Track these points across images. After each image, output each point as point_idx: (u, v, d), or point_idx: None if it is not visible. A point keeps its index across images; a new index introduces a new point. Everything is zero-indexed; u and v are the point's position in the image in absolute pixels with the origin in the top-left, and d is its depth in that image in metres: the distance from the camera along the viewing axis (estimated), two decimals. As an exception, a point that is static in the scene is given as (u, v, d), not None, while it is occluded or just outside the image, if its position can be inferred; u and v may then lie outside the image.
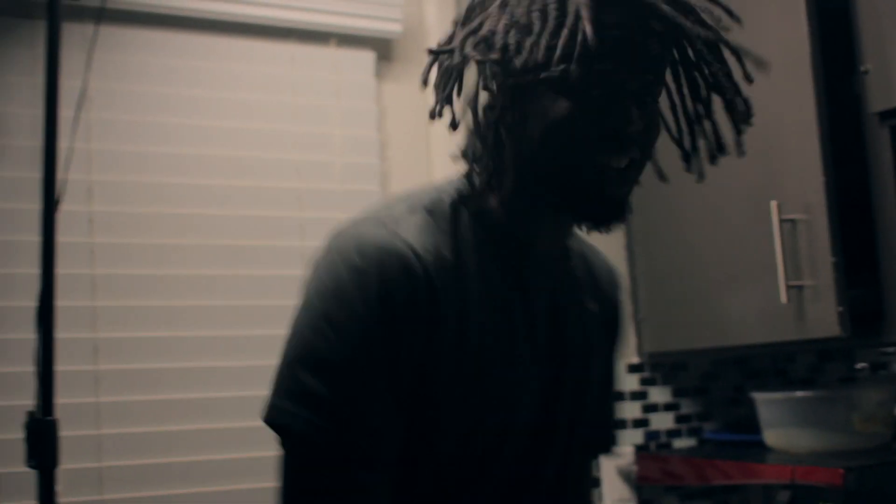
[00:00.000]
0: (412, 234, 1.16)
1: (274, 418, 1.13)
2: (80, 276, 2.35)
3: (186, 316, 2.44)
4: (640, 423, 2.87)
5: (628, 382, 2.84)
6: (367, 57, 2.69)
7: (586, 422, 1.35)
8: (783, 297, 2.27)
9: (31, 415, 1.84)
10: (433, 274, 1.14)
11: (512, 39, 1.15)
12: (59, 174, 1.95)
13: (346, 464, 1.11)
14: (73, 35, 2.28)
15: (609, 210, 1.22)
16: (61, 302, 2.27)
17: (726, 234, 2.52)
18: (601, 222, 1.22)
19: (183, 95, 2.51)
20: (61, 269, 2.29)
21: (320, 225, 2.54)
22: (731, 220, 2.50)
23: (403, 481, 1.17)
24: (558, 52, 1.11)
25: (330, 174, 2.60)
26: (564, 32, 1.11)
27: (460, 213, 1.23)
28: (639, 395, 2.87)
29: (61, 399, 2.25)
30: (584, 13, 1.09)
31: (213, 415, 2.43)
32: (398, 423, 1.14)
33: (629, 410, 2.85)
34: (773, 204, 2.30)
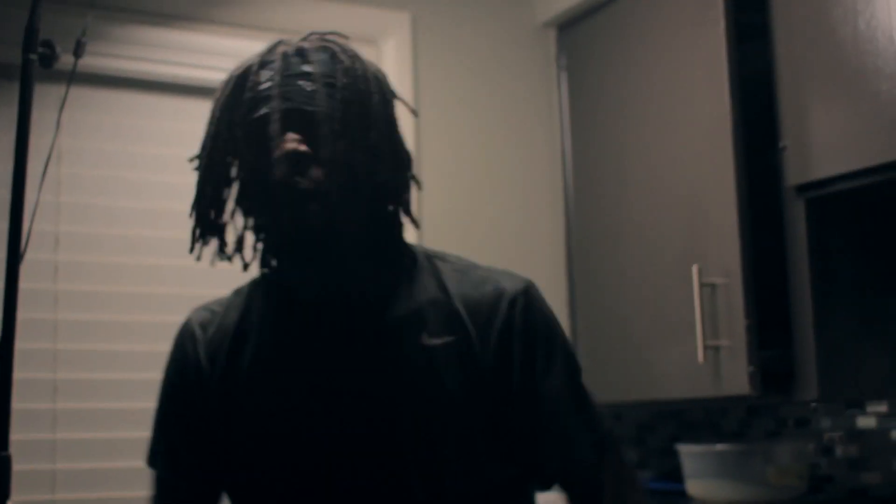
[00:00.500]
0: (200, 310, 1.56)
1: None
2: (43, 320, 2.50)
3: (143, 359, 2.58)
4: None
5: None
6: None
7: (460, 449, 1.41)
8: (700, 356, 2.41)
9: (-15, 451, 1.95)
10: (199, 339, 1.50)
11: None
12: (25, 225, 2.08)
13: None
14: (48, 96, 2.44)
15: (283, 195, 1.36)
16: (24, 344, 2.44)
17: (653, 295, 2.66)
18: (281, 216, 1.39)
19: (148, 153, 2.68)
20: (26, 314, 2.45)
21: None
22: (657, 282, 2.64)
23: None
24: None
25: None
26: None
27: (259, 283, 1.53)
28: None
29: (18, 436, 2.40)
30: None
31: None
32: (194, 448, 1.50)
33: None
34: (695, 268, 2.45)
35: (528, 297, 1.48)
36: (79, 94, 2.61)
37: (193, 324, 1.52)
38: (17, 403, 2.33)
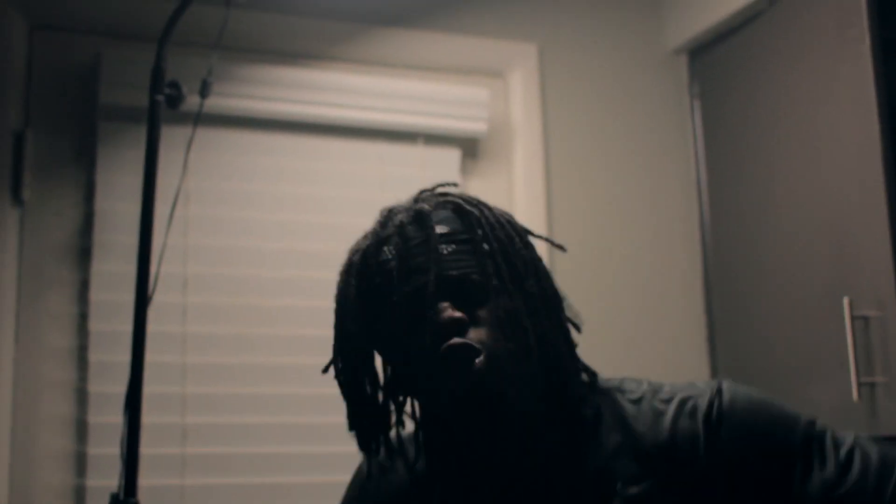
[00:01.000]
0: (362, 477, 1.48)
1: None
2: (172, 363, 2.49)
3: (273, 402, 2.55)
4: None
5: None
6: (453, 155, 2.80)
7: None
8: (854, 395, 2.28)
9: (114, 497, 1.94)
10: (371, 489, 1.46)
11: None
12: (153, 268, 2.07)
13: None
14: (174, 137, 2.43)
15: (458, 372, 1.23)
16: (154, 388, 2.42)
17: (801, 330, 2.53)
18: (459, 396, 1.25)
19: (275, 192, 2.65)
20: (155, 357, 2.44)
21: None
22: (805, 316, 2.51)
23: None
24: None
25: (414, 267, 2.69)
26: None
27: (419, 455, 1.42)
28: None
29: (148, 481, 2.39)
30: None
31: (299, 500, 2.52)
32: None
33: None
34: (846, 300, 2.32)
35: (724, 403, 1.29)
36: (205, 134, 2.60)
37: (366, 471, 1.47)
38: (147, 448, 2.35)
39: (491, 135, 2.88)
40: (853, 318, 2.31)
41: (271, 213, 2.63)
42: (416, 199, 1.39)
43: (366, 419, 1.38)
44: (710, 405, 1.28)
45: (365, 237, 1.38)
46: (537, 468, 1.30)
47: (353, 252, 1.37)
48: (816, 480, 1.26)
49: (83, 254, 2.49)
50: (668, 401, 1.31)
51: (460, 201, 1.35)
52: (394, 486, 1.42)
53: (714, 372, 2.87)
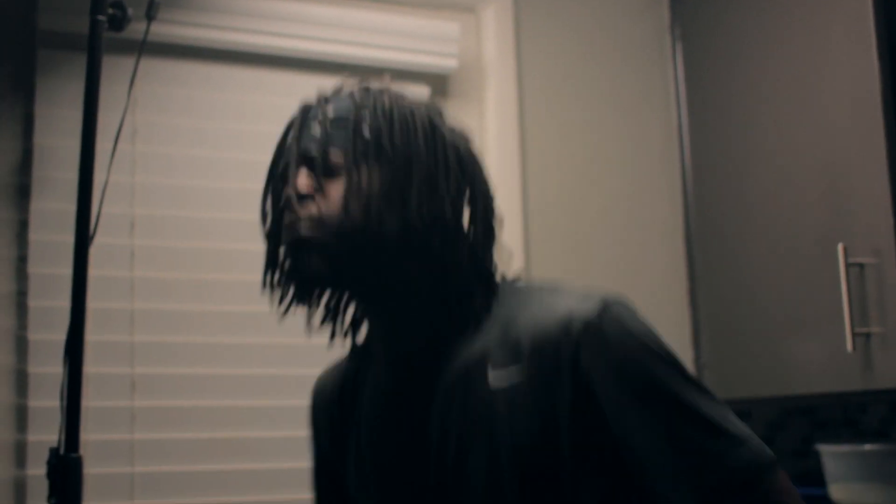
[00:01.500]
0: (324, 378, 1.56)
1: None
2: (119, 309, 2.33)
3: (226, 352, 2.40)
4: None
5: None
6: (421, 92, 2.64)
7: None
8: (849, 345, 2.15)
9: (54, 452, 1.79)
10: (315, 399, 1.55)
11: None
12: (95, 207, 1.91)
13: None
14: (121, 67, 2.25)
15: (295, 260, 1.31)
16: (99, 336, 2.27)
17: (791, 279, 2.41)
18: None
19: (230, 129, 2.49)
20: (101, 303, 2.28)
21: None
22: (796, 264, 2.39)
23: None
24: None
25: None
26: None
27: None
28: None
29: (94, 435, 2.24)
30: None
31: (250, 454, 2.38)
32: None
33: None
34: (840, 247, 2.19)
35: (601, 326, 1.24)
36: (155, 65, 2.44)
37: (316, 388, 1.57)
38: (93, 401, 2.20)
39: (461, 72, 2.73)
40: (848, 266, 2.18)
41: (226, 151, 2.47)
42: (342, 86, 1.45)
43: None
44: (587, 321, 1.24)
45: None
46: (418, 354, 1.35)
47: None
48: (641, 440, 1.22)
49: (21, 192, 2.31)
50: (554, 303, 1.29)
51: (359, 94, 1.39)
52: (341, 373, 1.51)
53: (696, 325, 2.74)
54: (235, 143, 2.49)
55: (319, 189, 1.29)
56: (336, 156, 1.30)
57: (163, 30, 2.41)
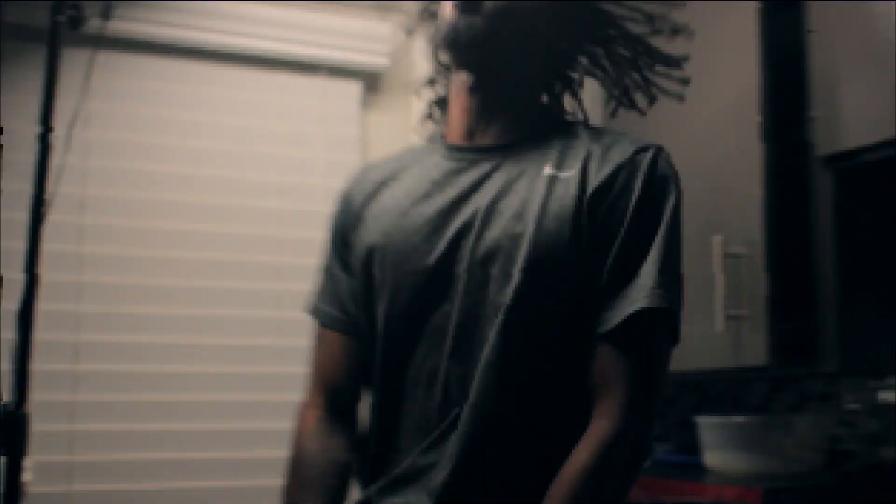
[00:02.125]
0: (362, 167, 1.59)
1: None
2: (67, 282, 2.54)
3: (170, 324, 2.62)
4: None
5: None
6: (354, 88, 2.86)
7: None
8: (720, 326, 2.40)
9: (4, 407, 1.99)
10: (355, 184, 1.54)
11: None
12: (49, 188, 2.11)
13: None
14: (79, 59, 2.46)
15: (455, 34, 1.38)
16: (49, 306, 2.46)
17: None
18: (454, 46, 1.40)
19: (177, 118, 2.70)
20: (51, 276, 2.48)
21: (300, 244, 2.72)
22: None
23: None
24: None
25: (313, 196, 2.77)
26: None
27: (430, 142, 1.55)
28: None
29: (39, 396, 2.44)
30: None
31: (191, 417, 2.61)
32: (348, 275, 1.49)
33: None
34: (717, 239, 2.43)
35: (659, 159, 1.45)
36: (110, 58, 2.64)
37: (357, 175, 1.57)
38: (38, 364, 2.40)
39: (392, 70, 2.94)
40: (724, 256, 2.43)
41: (171, 138, 2.69)
42: None
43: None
44: (653, 147, 1.45)
45: None
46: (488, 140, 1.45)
47: None
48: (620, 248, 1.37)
49: (-16, 172, 2.52)
50: (621, 138, 1.45)
51: None
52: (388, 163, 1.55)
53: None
54: (179, 131, 2.70)
55: None
56: None
57: (118, 26, 2.62)
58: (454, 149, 1.47)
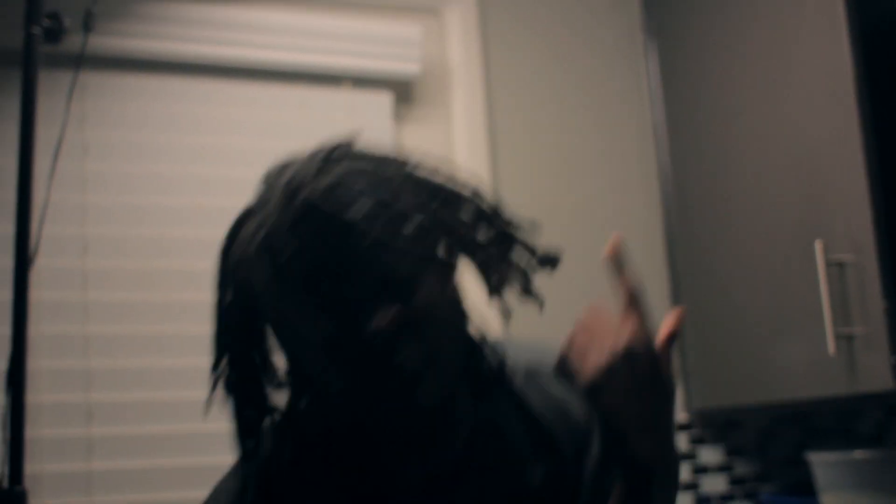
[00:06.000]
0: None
1: None
2: (72, 334, 2.25)
3: (183, 375, 2.32)
4: (689, 486, 2.65)
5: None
6: (384, 99, 2.55)
7: None
8: (831, 348, 2.06)
9: (-2, 483, 1.71)
10: None
11: None
12: (35, 228, 1.83)
13: None
14: (63, 83, 2.17)
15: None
16: (53, 362, 2.19)
17: (770, 279, 2.32)
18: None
19: (185, 144, 2.40)
20: (54, 327, 2.21)
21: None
22: (774, 264, 2.30)
23: None
24: None
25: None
26: None
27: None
28: (688, 457, 2.66)
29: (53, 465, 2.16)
30: None
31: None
32: None
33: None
34: (819, 244, 2.10)
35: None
36: (105, 80, 2.36)
37: None
38: (45, 430, 2.13)
39: (426, 77, 2.64)
40: (827, 264, 2.09)
41: (180, 166, 2.39)
42: (320, 165, 1.10)
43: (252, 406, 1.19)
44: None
45: (258, 208, 1.13)
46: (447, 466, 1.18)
47: (254, 227, 1.11)
48: None
49: (-38, 216, 2.23)
50: (552, 388, 1.23)
51: (374, 166, 1.10)
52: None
53: (684, 364, 2.64)
54: (190, 157, 2.40)
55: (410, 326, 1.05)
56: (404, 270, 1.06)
57: (111, 42, 2.34)
58: None
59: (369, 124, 2.52)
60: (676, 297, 2.68)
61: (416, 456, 1.16)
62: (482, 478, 1.17)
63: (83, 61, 2.13)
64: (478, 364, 1.20)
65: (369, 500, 1.16)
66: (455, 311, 1.12)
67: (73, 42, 2.05)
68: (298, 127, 2.48)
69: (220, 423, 2.21)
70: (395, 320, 1.02)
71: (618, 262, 1.11)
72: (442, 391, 1.07)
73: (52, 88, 2.18)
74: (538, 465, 1.19)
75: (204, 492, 2.24)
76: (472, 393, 1.19)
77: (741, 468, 2.71)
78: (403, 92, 2.61)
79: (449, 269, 1.11)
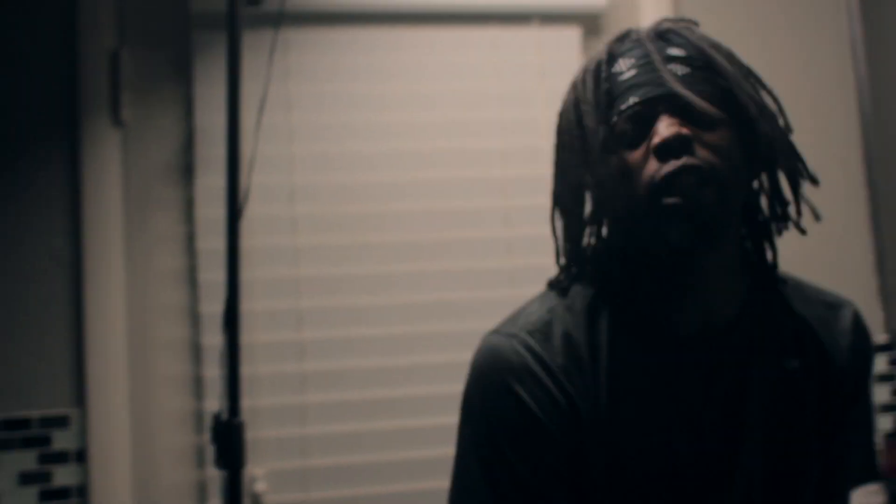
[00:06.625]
0: (515, 338, 1.25)
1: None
2: (285, 278, 2.38)
3: (397, 313, 2.43)
4: (889, 408, 2.60)
5: (876, 364, 2.57)
6: (572, 34, 2.57)
7: (805, 480, 1.29)
8: None
9: (216, 417, 1.85)
10: (539, 373, 1.22)
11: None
12: (244, 180, 1.96)
13: None
14: (265, 41, 2.29)
15: (675, 222, 1.16)
16: (267, 303, 2.34)
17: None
18: (673, 239, 1.17)
19: (383, 91, 2.49)
20: (267, 271, 2.35)
21: (527, 213, 2.47)
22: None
23: None
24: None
25: (538, 160, 2.49)
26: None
27: (597, 307, 1.27)
28: (888, 378, 2.60)
29: (269, 400, 2.31)
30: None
31: (421, 412, 2.39)
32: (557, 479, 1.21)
33: (877, 395, 2.59)
34: None
35: (861, 316, 1.36)
36: (305, 35, 2.48)
37: (522, 355, 1.24)
38: (265, 366, 2.28)
39: (614, 8, 2.64)
40: None
41: (379, 113, 2.48)
42: (655, 27, 1.28)
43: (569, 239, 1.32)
44: (857, 313, 1.35)
45: (596, 53, 1.28)
46: (718, 334, 1.25)
47: (585, 65, 1.28)
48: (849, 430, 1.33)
49: (186, 171, 2.40)
50: (820, 294, 1.36)
51: (697, 33, 1.27)
52: (562, 368, 1.25)
53: (880, 252, 2.58)
54: (386, 105, 2.49)
55: (698, 139, 1.17)
56: (704, 103, 1.18)
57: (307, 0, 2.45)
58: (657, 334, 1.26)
59: (558, 61, 2.55)
60: (876, 214, 2.61)
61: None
62: (744, 351, 1.26)
63: (282, 20, 2.27)
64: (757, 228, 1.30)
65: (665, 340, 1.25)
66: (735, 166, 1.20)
67: (272, 2, 2.19)
68: (489, 68, 2.53)
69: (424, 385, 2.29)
70: (680, 127, 1.15)
71: None
72: (719, 202, 1.15)
73: (255, 47, 2.32)
74: (796, 357, 1.28)
75: (420, 423, 2.36)
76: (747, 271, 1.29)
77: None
78: (591, 26, 2.62)
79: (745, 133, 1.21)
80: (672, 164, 1.15)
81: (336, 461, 2.34)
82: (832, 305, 1.34)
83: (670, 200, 1.15)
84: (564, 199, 1.31)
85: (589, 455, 1.21)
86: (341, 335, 2.39)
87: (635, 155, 1.19)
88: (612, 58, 1.24)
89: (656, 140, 1.16)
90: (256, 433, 2.27)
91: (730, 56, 1.25)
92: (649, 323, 1.25)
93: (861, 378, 1.32)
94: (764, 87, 1.28)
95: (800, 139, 2.59)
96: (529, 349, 1.23)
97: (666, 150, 1.15)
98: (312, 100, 2.46)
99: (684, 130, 1.15)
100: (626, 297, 1.26)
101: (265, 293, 2.36)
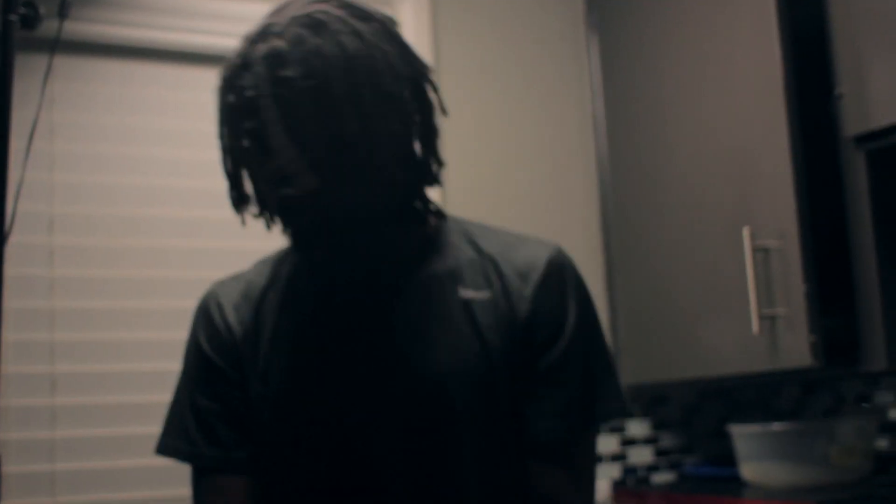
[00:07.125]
0: (222, 281, 1.43)
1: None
2: (38, 309, 2.34)
3: (150, 349, 2.42)
4: (617, 457, 2.81)
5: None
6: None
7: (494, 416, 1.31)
8: (755, 327, 2.22)
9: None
10: (226, 305, 1.38)
11: None
12: (9, 206, 1.91)
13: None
14: (33, 66, 2.25)
15: (284, 216, 1.27)
16: (18, 335, 2.28)
17: (700, 262, 2.47)
18: (289, 230, 1.29)
19: (150, 126, 2.50)
20: (20, 302, 2.29)
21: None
22: (704, 247, 2.45)
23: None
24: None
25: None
26: None
27: (284, 257, 1.42)
28: (616, 429, 2.82)
29: (14, 435, 2.24)
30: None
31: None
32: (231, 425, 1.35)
33: (606, 444, 2.79)
34: (746, 230, 2.26)
35: (565, 257, 1.39)
36: (78, 64, 2.44)
37: (218, 292, 1.41)
38: (12, 399, 2.21)
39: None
40: (754, 249, 2.25)
41: (145, 147, 2.48)
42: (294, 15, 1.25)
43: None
44: (555, 252, 1.38)
45: (235, 51, 1.28)
46: (384, 270, 1.34)
47: (227, 62, 1.30)
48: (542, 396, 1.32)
49: (-62, 193, 2.30)
50: (517, 237, 1.40)
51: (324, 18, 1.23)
52: (239, 304, 1.39)
53: (613, 311, 2.80)
54: (154, 139, 2.49)
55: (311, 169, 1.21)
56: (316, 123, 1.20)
57: (81, 28, 2.42)
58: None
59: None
60: (611, 278, 2.83)
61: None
62: (426, 286, 1.33)
63: (57, 47, 2.23)
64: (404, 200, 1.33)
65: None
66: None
67: (47, 27, 2.15)
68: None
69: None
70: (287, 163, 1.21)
71: None
72: (324, 220, 1.25)
73: (24, 72, 2.26)
74: (483, 289, 1.33)
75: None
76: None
77: (666, 440, 2.88)
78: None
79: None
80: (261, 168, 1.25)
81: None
82: (522, 241, 1.39)
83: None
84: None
85: (250, 385, 1.33)
86: (94, 370, 2.36)
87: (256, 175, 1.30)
88: (239, 68, 1.26)
89: (265, 171, 1.25)
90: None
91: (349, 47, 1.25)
92: (321, 268, 1.36)
93: (558, 325, 1.33)
94: None
95: (543, 206, 2.81)
96: (213, 293, 1.40)
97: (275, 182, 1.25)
98: (77, 129, 2.43)
99: (290, 168, 1.22)
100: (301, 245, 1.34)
101: (16, 325, 2.29)
